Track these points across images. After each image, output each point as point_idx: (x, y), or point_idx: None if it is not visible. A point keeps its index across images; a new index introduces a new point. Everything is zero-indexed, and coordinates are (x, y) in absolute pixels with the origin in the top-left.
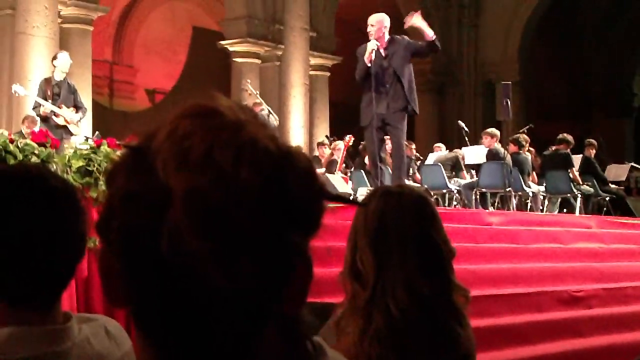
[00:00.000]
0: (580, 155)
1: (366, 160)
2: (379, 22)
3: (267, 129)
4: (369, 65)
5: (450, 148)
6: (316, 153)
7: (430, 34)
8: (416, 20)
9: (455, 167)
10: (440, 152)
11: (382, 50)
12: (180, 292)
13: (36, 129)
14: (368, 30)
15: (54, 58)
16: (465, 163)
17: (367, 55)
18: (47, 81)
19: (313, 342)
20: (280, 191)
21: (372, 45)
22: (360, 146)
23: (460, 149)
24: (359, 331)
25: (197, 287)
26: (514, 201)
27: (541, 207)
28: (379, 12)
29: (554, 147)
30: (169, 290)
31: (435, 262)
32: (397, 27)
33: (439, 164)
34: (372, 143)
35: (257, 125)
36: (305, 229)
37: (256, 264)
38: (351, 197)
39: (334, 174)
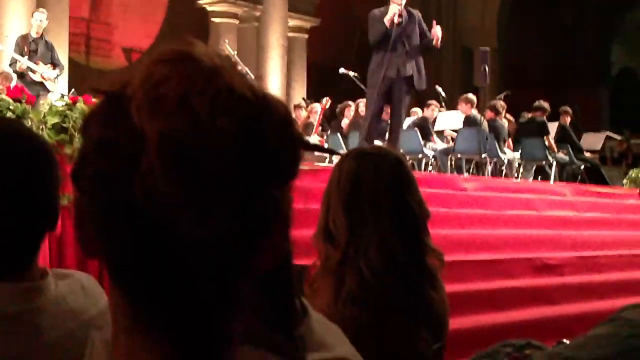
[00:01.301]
0: (556, 123)
1: (342, 123)
2: None
3: (244, 77)
4: (388, 27)
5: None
6: (293, 115)
7: (433, 39)
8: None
9: (423, 131)
10: (416, 116)
11: (396, 17)
12: (153, 241)
13: (12, 85)
14: None
15: (32, 15)
16: (441, 129)
17: (388, 17)
18: (24, 38)
19: (302, 302)
20: (256, 138)
21: (394, 8)
22: (337, 109)
23: (434, 114)
24: (332, 292)
25: (170, 236)
26: (489, 167)
27: (516, 174)
28: None
29: (530, 114)
30: (142, 239)
31: (410, 225)
32: None
33: (415, 128)
34: (374, 105)
35: (234, 72)
36: (282, 177)
37: (230, 213)
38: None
39: (310, 136)
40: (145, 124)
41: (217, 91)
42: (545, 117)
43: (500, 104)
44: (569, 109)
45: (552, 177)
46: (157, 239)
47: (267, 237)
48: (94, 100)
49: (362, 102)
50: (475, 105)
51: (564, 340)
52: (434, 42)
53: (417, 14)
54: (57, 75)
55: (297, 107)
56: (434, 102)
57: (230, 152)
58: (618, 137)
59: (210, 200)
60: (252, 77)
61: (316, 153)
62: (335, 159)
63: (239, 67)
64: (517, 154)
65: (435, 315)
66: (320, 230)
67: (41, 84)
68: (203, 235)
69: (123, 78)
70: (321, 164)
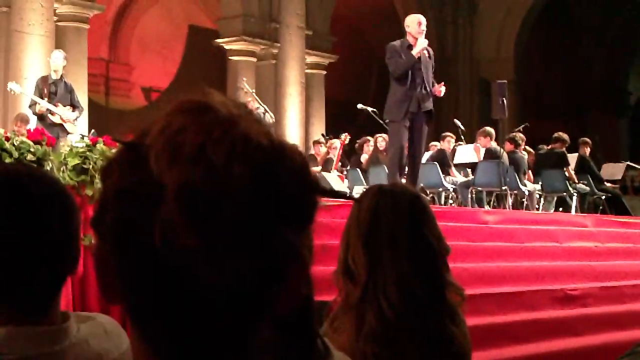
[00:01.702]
0: (576, 154)
1: (362, 158)
2: (425, 25)
3: (261, 125)
4: (417, 60)
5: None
6: (312, 151)
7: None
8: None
9: (442, 164)
10: (434, 150)
11: (426, 51)
12: (173, 287)
13: (31, 127)
14: (414, 29)
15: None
16: (459, 162)
17: (418, 50)
18: (44, 79)
19: (323, 342)
20: (273, 186)
21: (423, 42)
22: (357, 144)
23: (450, 146)
24: (353, 330)
25: (190, 282)
26: (510, 200)
27: (537, 206)
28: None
29: (549, 146)
30: (161, 285)
31: (428, 260)
32: (391, 23)
33: (435, 162)
34: (400, 139)
35: (250, 120)
36: (298, 225)
37: (248, 260)
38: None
39: (330, 172)
40: (164, 173)
41: (233, 140)
42: (564, 149)
43: (520, 136)
44: (588, 140)
45: (573, 208)
46: (177, 285)
47: (284, 281)
48: (114, 141)
49: (380, 137)
50: (493, 138)
51: None
52: (434, 90)
53: (431, 51)
54: (77, 117)
55: (317, 143)
56: (449, 134)
57: (246, 200)
58: (638, 167)
59: (227, 247)
60: (272, 115)
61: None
62: (355, 195)
63: (256, 113)
64: (538, 186)
65: (457, 350)
66: (340, 267)
67: (60, 125)
68: (220, 281)
69: (141, 127)
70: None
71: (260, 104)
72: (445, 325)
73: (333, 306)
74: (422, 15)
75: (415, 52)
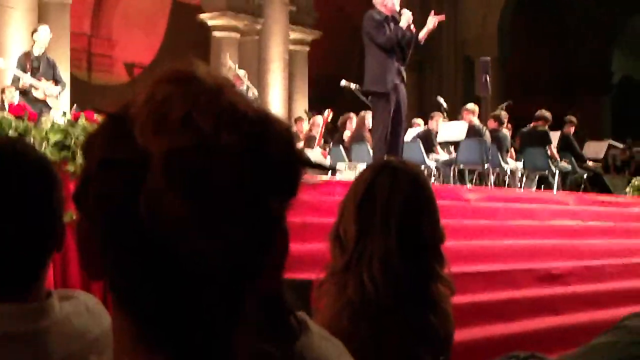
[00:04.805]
0: (559, 132)
1: (344, 135)
2: None
3: (244, 97)
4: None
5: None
6: (294, 128)
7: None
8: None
9: (427, 143)
10: (418, 128)
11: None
12: (159, 260)
13: (14, 101)
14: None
15: (34, 32)
16: (443, 140)
17: (407, 22)
18: (27, 55)
19: (297, 317)
20: (259, 155)
21: (410, 15)
22: (339, 121)
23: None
24: (334, 296)
25: (176, 254)
26: (492, 178)
27: (519, 184)
28: None
29: (532, 124)
30: (147, 259)
31: (417, 246)
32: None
33: (418, 139)
34: (387, 115)
35: (234, 92)
36: (283, 194)
37: (234, 227)
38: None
39: (312, 149)
40: (150, 143)
41: (220, 109)
42: (547, 127)
43: (503, 114)
44: (574, 119)
45: (555, 187)
46: (163, 257)
47: (270, 252)
48: (96, 116)
49: (368, 115)
50: (477, 115)
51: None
52: (420, 37)
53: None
54: (60, 92)
55: (299, 119)
56: (437, 113)
57: (234, 168)
58: (620, 146)
59: (216, 215)
60: (255, 92)
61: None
62: (338, 173)
63: (241, 85)
64: (520, 164)
65: (434, 338)
66: (332, 233)
67: (43, 101)
68: (208, 251)
69: (125, 99)
70: (322, 177)
71: (245, 80)
72: (424, 315)
73: (315, 283)
74: None
75: (404, 24)
